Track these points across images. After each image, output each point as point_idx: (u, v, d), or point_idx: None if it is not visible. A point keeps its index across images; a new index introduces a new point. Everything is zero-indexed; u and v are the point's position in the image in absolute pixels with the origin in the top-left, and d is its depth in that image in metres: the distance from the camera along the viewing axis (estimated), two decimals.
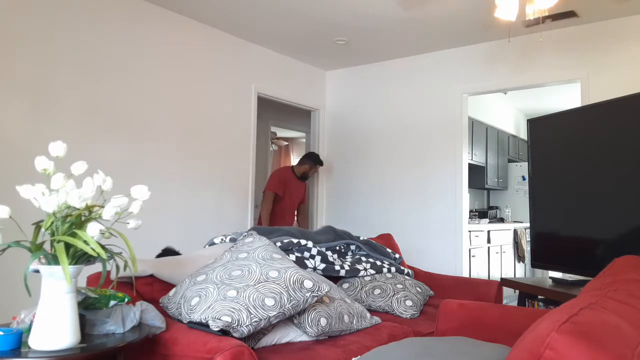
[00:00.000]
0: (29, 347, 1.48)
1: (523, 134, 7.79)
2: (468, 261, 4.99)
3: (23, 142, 3.23)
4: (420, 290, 2.86)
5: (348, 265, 2.88)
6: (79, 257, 1.54)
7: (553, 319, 0.89)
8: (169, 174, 4.09)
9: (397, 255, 3.28)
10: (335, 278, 2.89)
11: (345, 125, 5.63)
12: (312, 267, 2.70)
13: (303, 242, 2.77)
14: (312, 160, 4.99)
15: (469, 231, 5.10)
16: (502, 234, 5.99)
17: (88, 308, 1.71)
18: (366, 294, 2.76)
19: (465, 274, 4.82)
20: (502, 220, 6.97)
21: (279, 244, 2.67)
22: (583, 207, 2.80)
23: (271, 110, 6.70)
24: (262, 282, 1.95)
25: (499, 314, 2.08)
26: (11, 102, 3.19)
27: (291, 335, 2.08)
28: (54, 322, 1.47)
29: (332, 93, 5.78)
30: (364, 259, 3.02)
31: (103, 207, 1.58)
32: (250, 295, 1.88)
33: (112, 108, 3.71)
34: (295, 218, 5.09)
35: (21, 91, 3.23)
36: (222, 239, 2.72)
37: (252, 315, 1.82)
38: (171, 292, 2.09)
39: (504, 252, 6.00)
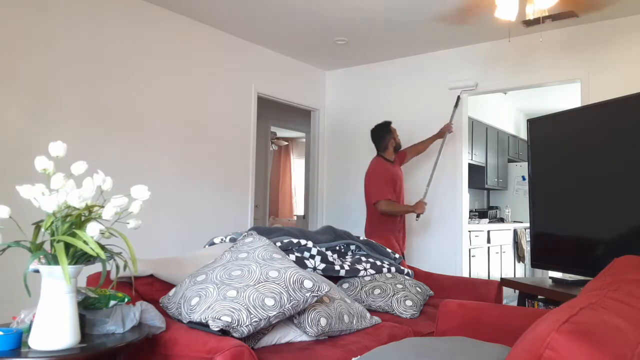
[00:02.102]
0: (29, 347, 1.47)
1: (523, 134, 7.79)
2: (468, 261, 4.98)
3: (23, 142, 3.23)
4: (420, 290, 2.86)
5: (348, 265, 2.88)
6: (79, 257, 1.54)
7: (553, 319, 0.89)
8: (169, 173, 4.09)
9: (397, 255, 3.28)
10: (335, 278, 2.89)
11: (345, 125, 5.62)
12: (312, 267, 2.70)
13: (303, 242, 2.77)
14: (384, 129, 4.14)
15: (469, 231, 5.10)
16: (502, 234, 5.99)
17: (88, 308, 1.71)
18: (366, 294, 2.76)
19: (465, 274, 4.82)
20: (502, 220, 6.97)
21: (279, 244, 2.67)
22: (583, 207, 2.80)
23: (271, 110, 6.70)
24: (262, 282, 1.95)
25: (499, 314, 2.08)
26: (11, 102, 3.18)
27: (291, 335, 2.08)
28: (53, 322, 1.47)
29: (332, 93, 5.77)
30: (363, 259, 3.02)
31: (103, 207, 1.58)
32: (250, 295, 1.88)
33: (112, 108, 3.71)
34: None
35: (21, 91, 3.23)
36: (222, 239, 2.72)
37: (252, 315, 1.82)
38: (171, 292, 2.09)
39: (504, 252, 6.00)
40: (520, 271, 6.36)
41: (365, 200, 4.11)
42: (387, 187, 3.89)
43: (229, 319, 1.77)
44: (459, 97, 4.70)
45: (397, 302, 2.70)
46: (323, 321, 2.08)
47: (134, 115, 3.85)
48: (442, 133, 4.59)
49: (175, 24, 4.16)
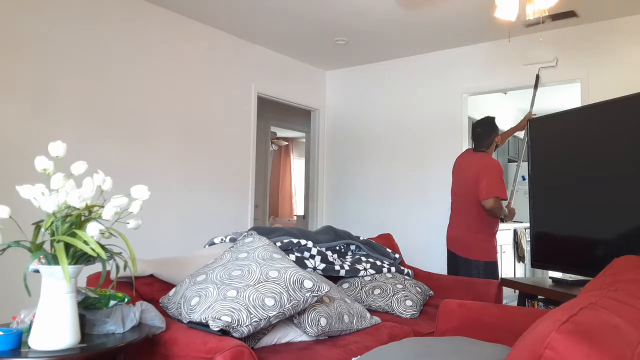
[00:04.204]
0: (29, 347, 1.47)
1: (523, 134, 7.79)
2: None
3: (23, 142, 3.23)
4: (420, 290, 2.86)
5: (348, 265, 2.88)
6: (79, 257, 1.54)
7: (553, 319, 0.89)
8: (168, 173, 4.09)
9: (397, 255, 3.28)
10: (335, 278, 2.89)
11: (345, 125, 5.63)
12: (312, 267, 2.70)
13: (303, 242, 2.77)
14: (493, 125, 3.68)
15: None
16: (502, 234, 5.98)
17: (88, 308, 1.71)
18: (366, 294, 2.76)
19: None
20: (502, 220, 6.96)
21: (279, 244, 2.67)
22: (583, 207, 2.80)
23: (271, 110, 6.70)
24: (262, 282, 1.95)
25: (499, 314, 2.08)
26: (11, 102, 3.19)
27: (291, 335, 2.08)
28: (54, 322, 1.47)
29: (332, 93, 5.77)
30: (363, 259, 3.02)
31: (103, 207, 1.58)
32: (250, 295, 1.88)
33: (113, 108, 3.71)
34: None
35: (21, 91, 3.23)
36: (222, 239, 2.72)
37: (252, 315, 1.82)
38: (171, 292, 2.09)
39: (504, 252, 5.99)
40: (520, 271, 6.35)
41: (466, 196, 3.62)
42: (503, 186, 3.52)
43: (229, 319, 1.77)
44: (538, 77, 4.16)
45: (397, 302, 2.70)
46: (323, 321, 2.08)
47: (134, 115, 3.85)
48: (524, 125, 4.05)
49: (175, 24, 4.16)
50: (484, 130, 3.67)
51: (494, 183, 3.47)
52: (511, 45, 4.55)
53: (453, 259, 3.71)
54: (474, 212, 3.61)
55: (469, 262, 3.60)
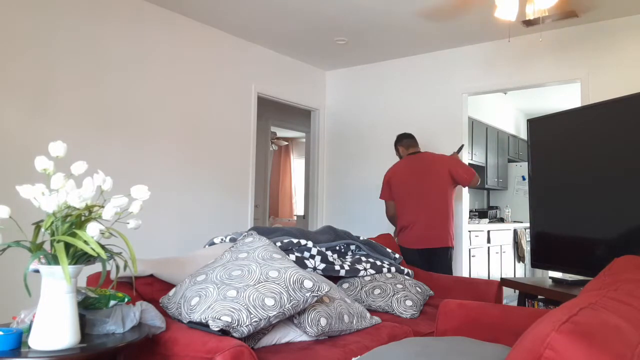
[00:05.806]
0: (29, 347, 1.47)
1: (523, 134, 7.79)
2: (468, 261, 4.98)
3: (23, 142, 3.23)
4: (420, 290, 2.86)
5: (348, 265, 2.88)
6: (79, 257, 1.54)
7: (553, 319, 0.89)
8: (169, 173, 4.09)
9: (397, 255, 3.28)
10: (335, 278, 2.89)
11: (345, 125, 5.63)
12: (312, 267, 2.70)
13: (303, 242, 2.77)
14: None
15: (469, 231, 5.10)
16: (502, 234, 5.99)
17: (88, 308, 1.71)
18: (366, 294, 2.76)
19: (465, 274, 4.81)
20: (502, 220, 6.97)
21: (279, 244, 2.67)
22: (583, 207, 2.80)
23: (271, 110, 6.70)
24: (262, 282, 1.95)
25: (499, 314, 2.08)
26: (11, 102, 3.19)
27: (291, 335, 2.08)
28: (54, 322, 1.47)
29: (332, 93, 5.77)
30: (364, 259, 3.02)
31: (103, 207, 1.58)
32: (250, 295, 1.88)
33: (112, 108, 3.71)
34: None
35: (21, 91, 3.23)
36: (222, 239, 2.72)
37: (252, 315, 1.82)
38: (171, 292, 2.09)
39: (504, 252, 6.00)
40: (520, 271, 6.36)
41: (437, 190, 3.92)
42: None
43: (229, 319, 1.77)
44: (462, 146, 4.44)
45: (397, 302, 2.70)
46: (323, 321, 2.08)
47: (134, 115, 3.85)
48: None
49: (175, 24, 4.16)
50: (412, 136, 4.22)
51: (464, 165, 4.00)
52: (511, 45, 4.55)
53: (424, 256, 3.83)
54: (446, 202, 3.93)
55: (447, 250, 3.83)
